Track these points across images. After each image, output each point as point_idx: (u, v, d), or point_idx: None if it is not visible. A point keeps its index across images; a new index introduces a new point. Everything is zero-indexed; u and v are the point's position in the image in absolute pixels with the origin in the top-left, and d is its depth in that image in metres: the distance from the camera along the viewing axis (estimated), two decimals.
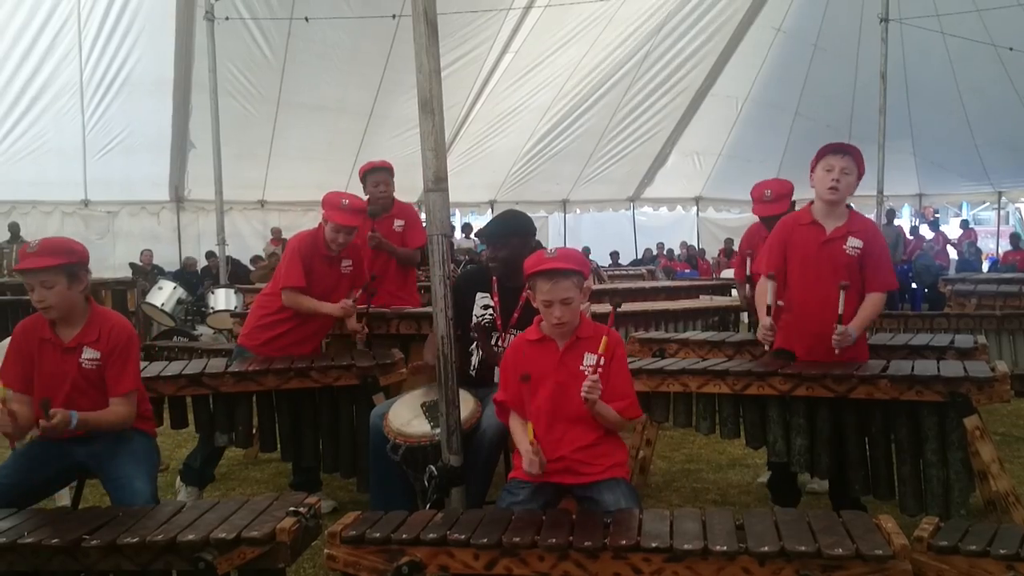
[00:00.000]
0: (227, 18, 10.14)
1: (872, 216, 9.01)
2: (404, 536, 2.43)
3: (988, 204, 18.83)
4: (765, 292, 3.77)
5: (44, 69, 11.41)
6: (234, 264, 11.78)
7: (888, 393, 3.42)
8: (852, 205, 3.78)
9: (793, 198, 5.00)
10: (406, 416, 3.36)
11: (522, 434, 2.85)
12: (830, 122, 14.86)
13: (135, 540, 2.40)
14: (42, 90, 11.59)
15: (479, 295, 3.61)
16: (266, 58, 11.94)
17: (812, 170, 3.69)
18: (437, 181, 2.93)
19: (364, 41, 12.02)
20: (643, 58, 14.55)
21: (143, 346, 7.61)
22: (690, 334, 5.11)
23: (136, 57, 11.58)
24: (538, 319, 2.97)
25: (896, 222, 15.68)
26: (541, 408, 2.83)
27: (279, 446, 4.03)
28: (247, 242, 14.03)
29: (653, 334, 5.22)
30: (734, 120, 16.52)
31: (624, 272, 13.73)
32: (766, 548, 2.24)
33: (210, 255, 12.76)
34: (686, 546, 2.28)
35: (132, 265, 12.49)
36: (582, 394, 2.72)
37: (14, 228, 12.19)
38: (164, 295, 7.88)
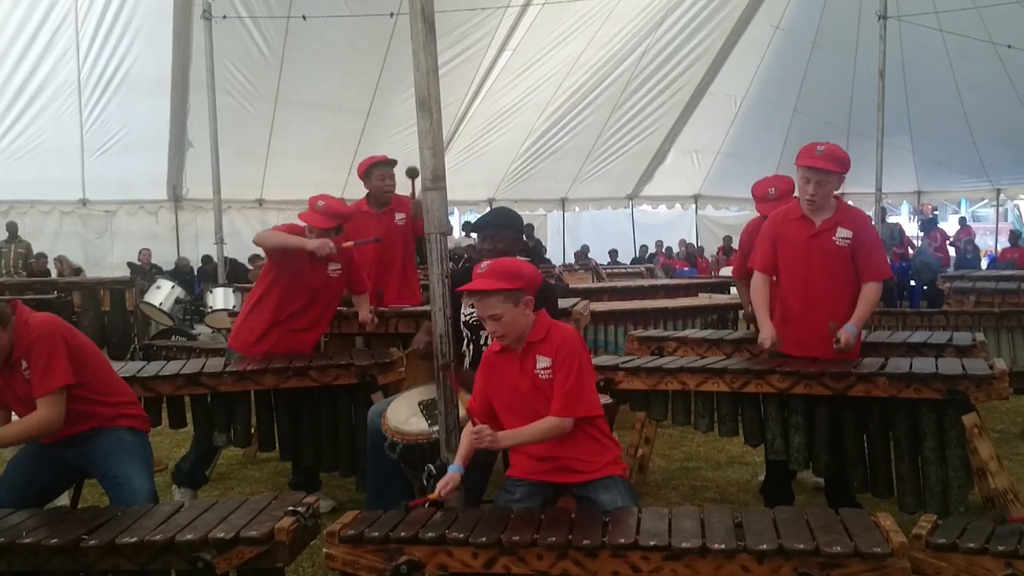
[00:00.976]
0: (224, 17, 10.09)
1: (871, 213, 9.00)
2: (403, 535, 2.43)
3: (987, 201, 18.80)
4: (759, 288, 3.83)
5: (42, 68, 11.37)
6: (232, 263, 11.75)
7: (886, 390, 3.43)
8: (850, 202, 3.80)
9: (794, 194, 5.00)
10: (404, 414, 3.36)
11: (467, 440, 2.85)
12: (828, 119, 14.84)
13: (134, 540, 2.41)
14: (40, 89, 11.53)
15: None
16: (264, 57, 11.91)
17: (796, 164, 3.75)
18: (435, 179, 2.92)
19: (362, 39, 11.99)
20: (641, 55, 14.50)
21: (141, 345, 7.62)
22: (689, 332, 5.12)
23: (134, 56, 11.53)
24: None
25: (894, 219, 15.62)
26: (516, 415, 2.87)
27: (278, 445, 4.03)
28: (245, 241, 13.94)
29: (652, 332, 5.23)
30: (732, 118, 16.47)
31: (623, 270, 13.74)
32: (765, 546, 2.24)
33: (206, 259, 12.69)
34: (685, 544, 2.28)
35: (130, 264, 12.46)
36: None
37: (12, 227, 12.17)
38: (162, 294, 7.85)
